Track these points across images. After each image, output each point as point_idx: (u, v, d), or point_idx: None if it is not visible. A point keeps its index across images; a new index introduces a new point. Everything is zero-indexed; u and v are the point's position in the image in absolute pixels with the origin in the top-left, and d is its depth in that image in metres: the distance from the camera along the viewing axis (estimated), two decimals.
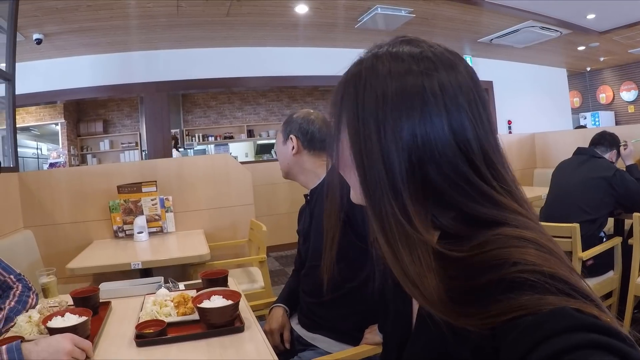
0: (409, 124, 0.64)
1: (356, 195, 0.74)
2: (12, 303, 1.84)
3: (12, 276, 2.01)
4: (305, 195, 2.01)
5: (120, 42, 6.49)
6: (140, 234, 3.52)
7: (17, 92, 4.12)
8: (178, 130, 10.58)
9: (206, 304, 1.50)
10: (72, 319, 1.50)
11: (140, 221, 3.58)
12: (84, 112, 11.04)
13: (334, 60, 6.67)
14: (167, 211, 3.73)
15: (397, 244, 0.64)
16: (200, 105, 11.42)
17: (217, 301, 1.52)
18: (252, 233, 3.59)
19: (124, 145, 10.85)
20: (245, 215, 3.89)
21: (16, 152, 3.96)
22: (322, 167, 1.91)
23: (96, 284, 2.05)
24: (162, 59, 7.07)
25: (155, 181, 3.68)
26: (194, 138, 11.15)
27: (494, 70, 9.10)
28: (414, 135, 0.64)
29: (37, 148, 11.87)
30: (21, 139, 11.47)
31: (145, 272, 2.87)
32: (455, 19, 6.24)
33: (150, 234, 3.62)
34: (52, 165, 9.24)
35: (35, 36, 5.66)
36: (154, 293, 1.82)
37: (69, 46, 6.39)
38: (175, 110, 10.53)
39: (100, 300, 1.84)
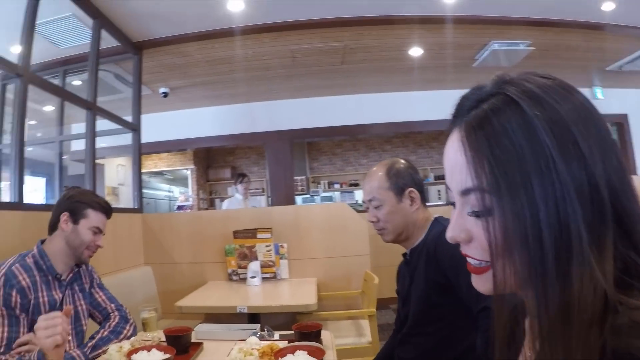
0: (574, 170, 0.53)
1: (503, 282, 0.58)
2: (105, 332, 1.94)
3: (113, 305, 2.13)
4: (405, 255, 1.85)
5: (241, 94, 6.82)
6: (253, 279, 3.54)
7: (148, 140, 4.49)
8: (304, 177, 10.80)
9: (288, 359, 1.40)
10: (156, 355, 1.53)
11: (254, 266, 3.62)
12: (212, 158, 11.76)
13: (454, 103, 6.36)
14: (281, 258, 3.73)
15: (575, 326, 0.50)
16: (325, 153, 11.65)
17: (299, 356, 1.43)
18: (365, 284, 3.44)
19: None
20: (360, 265, 3.75)
21: (141, 194, 4.26)
22: (429, 222, 1.76)
23: (207, 322, 2.11)
24: (283, 108, 7.29)
25: (271, 228, 3.71)
26: (319, 185, 11.32)
27: (628, 101, 8.02)
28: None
29: (169, 191, 12.83)
30: (155, 182, 12.49)
31: (252, 316, 2.85)
32: (578, 47, 5.71)
33: (264, 279, 3.63)
34: (180, 207, 9.91)
35: (162, 90, 6.13)
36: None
37: (194, 98, 6.85)
38: (301, 158, 10.82)
39: (195, 341, 1.86)
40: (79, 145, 7.62)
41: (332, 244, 3.82)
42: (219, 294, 3.36)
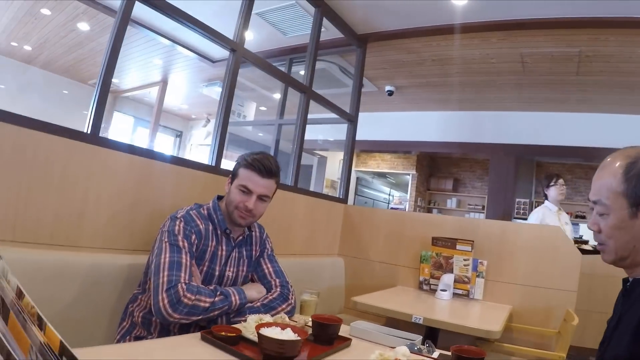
0: None
1: None
2: (257, 304, 1.87)
3: (278, 280, 2.04)
4: (625, 282, 1.38)
5: (469, 100, 6.45)
6: (444, 292, 3.24)
7: (372, 138, 4.46)
8: (527, 200, 9.93)
9: None
10: (284, 334, 1.41)
11: (447, 279, 3.32)
12: (436, 167, 11.52)
13: None
14: (478, 276, 3.34)
15: None
16: None
17: None
18: (563, 325, 2.86)
19: (471, 206, 10.80)
20: (563, 302, 3.09)
21: (348, 185, 4.24)
22: None
23: (387, 327, 1.90)
24: (511, 120, 6.74)
25: (473, 241, 3.35)
26: None
27: None
28: None
29: (389, 194, 12.96)
30: (378, 183, 12.71)
31: (431, 330, 2.57)
32: None
33: (455, 295, 3.30)
34: (392, 209, 9.91)
35: (387, 88, 6.08)
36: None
37: (420, 100, 6.67)
38: (528, 179, 9.96)
39: (345, 335, 1.71)
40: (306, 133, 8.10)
41: (535, 272, 3.26)
42: (402, 299, 3.14)
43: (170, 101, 9.07)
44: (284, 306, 1.93)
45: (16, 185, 1.82)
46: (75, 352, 1.08)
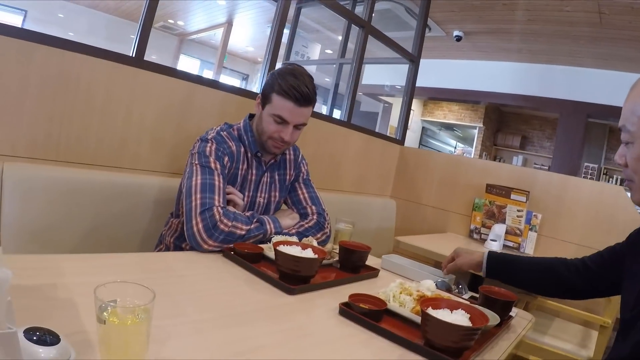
0: None
1: None
2: (292, 230, 1.78)
3: (314, 207, 1.93)
4: None
5: (540, 52, 6.00)
6: (493, 242, 3.10)
7: (438, 86, 4.20)
8: (596, 165, 9.37)
9: (439, 314, 1.03)
10: (304, 254, 1.35)
11: (498, 229, 3.16)
12: (504, 123, 11.01)
13: None
14: (531, 229, 3.16)
15: None
16: None
17: (457, 316, 1.05)
18: None
19: (537, 166, 10.32)
20: None
21: (405, 126, 4.07)
22: None
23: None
24: (584, 77, 6.27)
25: (528, 192, 3.16)
26: (611, 179, 9.72)
27: None
28: None
29: (454, 147, 12.61)
30: (444, 135, 12.36)
31: (475, 278, 2.45)
32: None
33: (505, 247, 3.15)
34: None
35: (455, 33, 5.75)
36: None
37: (489, 49, 6.28)
38: (599, 144, 9.36)
39: (374, 266, 1.66)
40: (369, 78, 7.86)
41: (593, 232, 3.04)
42: (449, 245, 3.00)
43: (236, 43, 9.02)
44: (318, 235, 1.84)
45: (61, 107, 1.84)
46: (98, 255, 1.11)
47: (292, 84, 1.67)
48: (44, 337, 0.64)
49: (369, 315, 1.11)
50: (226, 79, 10.13)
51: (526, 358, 2.35)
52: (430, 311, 1.02)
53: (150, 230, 2.02)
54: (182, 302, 1.07)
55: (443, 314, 1.03)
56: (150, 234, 2.02)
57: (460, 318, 1.02)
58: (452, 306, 1.08)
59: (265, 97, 1.75)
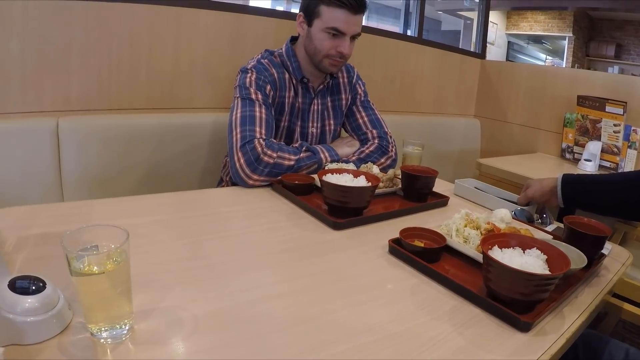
0: None
1: None
2: (353, 157, 1.60)
3: (375, 131, 1.73)
4: None
5: None
6: (587, 163, 2.71)
7: None
8: None
9: (505, 255, 0.80)
10: (355, 183, 1.19)
11: (592, 147, 2.75)
12: (597, 30, 9.90)
13: None
14: (630, 147, 2.73)
15: None
16: None
17: (528, 258, 0.80)
18: None
19: (636, 76, 9.29)
20: None
21: (484, 36, 3.65)
22: None
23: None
24: None
25: (625, 103, 2.70)
26: None
27: None
28: None
29: (544, 61, 11.61)
30: (532, 49, 11.42)
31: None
32: None
33: (601, 167, 2.75)
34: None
35: None
36: None
37: None
38: None
39: (443, 193, 1.44)
40: None
41: None
42: (538, 166, 2.69)
43: None
44: (382, 160, 1.65)
45: (107, 57, 1.85)
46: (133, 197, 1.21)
47: None
48: (31, 286, 0.62)
49: (422, 254, 0.91)
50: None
51: (621, 304, 1.74)
52: (494, 252, 0.80)
53: (209, 168, 1.97)
54: (207, 243, 0.96)
55: (511, 256, 0.79)
56: (209, 172, 1.97)
57: (532, 261, 0.78)
58: (525, 244, 0.84)
59: (311, 13, 1.55)
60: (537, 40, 10.64)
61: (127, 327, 0.63)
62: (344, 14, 1.49)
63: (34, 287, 0.62)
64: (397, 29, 3.40)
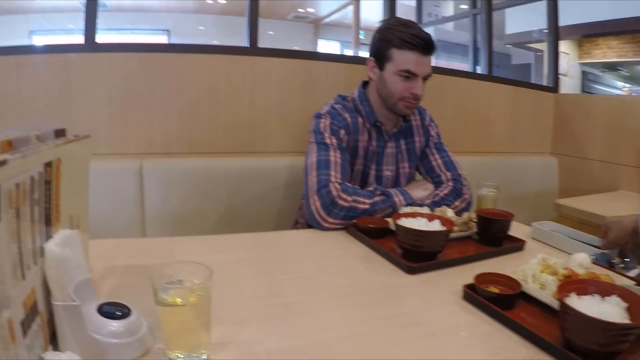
0: None
1: None
2: (427, 201, 1.60)
3: (449, 174, 1.72)
4: None
5: None
6: None
7: (592, 20, 3.49)
8: None
9: (582, 303, 0.77)
10: (429, 226, 1.18)
11: None
12: None
13: None
14: None
15: None
16: None
17: (607, 306, 0.76)
18: None
19: None
20: None
21: (556, 69, 3.56)
22: None
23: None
24: None
25: None
26: None
27: None
28: None
29: (621, 89, 11.05)
30: (609, 78, 10.91)
31: None
32: None
33: None
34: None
35: None
36: None
37: None
38: None
39: (519, 237, 1.39)
40: (515, 26, 7.10)
41: None
42: (621, 205, 2.56)
43: (369, 17, 8.76)
44: (457, 203, 1.64)
45: (187, 104, 2.02)
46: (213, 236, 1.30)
47: (412, 33, 1.52)
48: (117, 311, 0.68)
49: (496, 301, 0.90)
50: (366, 55, 10.01)
51: None
52: (572, 299, 0.78)
53: (284, 210, 2.05)
54: (283, 282, 1.01)
55: (589, 303, 0.77)
56: (284, 214, 2.04)
57: (611, 309, 0.75)
58: (604, 291, 0.81)
59: (382, 57, 1.60)
60: (612, 67, 10.17)
61: (204, 357, 0.68)
62: (415, 55, 1.52)
63: (119, 313, 0.68)
64: (466, 66, 3.40)
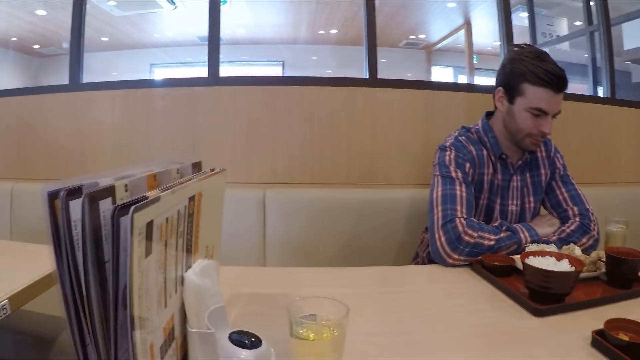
0: None
1: None
2: (553, 238, 1.51)
3: (576, 208, 1.61)
4: None
5: None
6: None
7: None
8: None
9: None
10: (558, 266, 1.11)
11: None
12: None
13: None
14: None
15: None
16: None
17: None
18: None
19: None
20: None
21: None
22: None
23: None
24: None
25: None
26: None
27: None
28: None
29: None
30: None
31: None
32: None
33: None
34: None
35: None
36: None
37: None
38: None
39: None
40: (634, 41, 6.45)
41: None
42: None
43: (482, 41, 8.53)
44: (584, 240, 1.52)
45: (309, 135, 2.09)
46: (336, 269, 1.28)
47: (546, 69, 1.44)
48: (247, 340, 0.69)
49: (626, 349, 0.82)
50: (481, 80, 9.70)
51: None
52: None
53: (405, 243, 2.01)
54: (407, 319, 1.00)
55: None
56: (405, 247, 2.01)
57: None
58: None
59: (512, 90, 1.53)
60: None
61: None
62: (548, 93, 1.45)
63: (249, 342, 0.69)
64: (585, 87, 3.19)
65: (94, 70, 3.12)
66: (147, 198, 0.53)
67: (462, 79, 9.78)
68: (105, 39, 8.30)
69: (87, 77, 2.53)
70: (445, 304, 1.12)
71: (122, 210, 0.49)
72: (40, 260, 1.30)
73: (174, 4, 6.28)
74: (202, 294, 0.68)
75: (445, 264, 1.39)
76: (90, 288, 0.53)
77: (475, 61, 8.70)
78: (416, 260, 1.82)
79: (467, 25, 7.77)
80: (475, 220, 1.47)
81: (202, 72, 2.20)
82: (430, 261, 1.54)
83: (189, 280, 0.68)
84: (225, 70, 2.17)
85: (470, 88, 2.30)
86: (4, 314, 1.00)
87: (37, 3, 6.27)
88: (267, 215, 1.89)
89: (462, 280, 1.27)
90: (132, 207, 0.48)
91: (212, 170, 0.85)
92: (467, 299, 1.15)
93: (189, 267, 0.71)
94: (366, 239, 1.96)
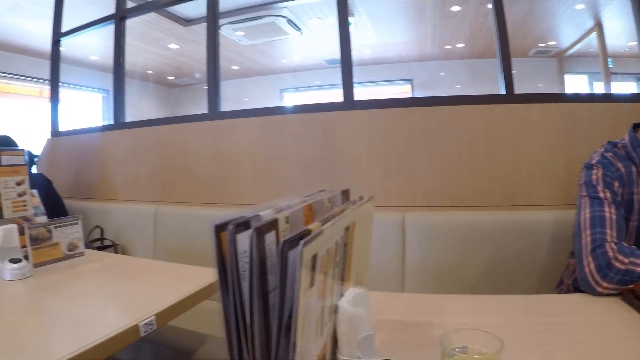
0: None
1: None
2: None
3: None
4: None
5: None
6: None
7: None
8: None
9: None
10: None
11: None
12: None
13: None
14: None
15: None
16: None
17: None
18: None
19: None
20: None
21: None
22: None
23: None
24: None
25: None
26: None
27: None
28: None
29: None
30: None
31: None
32: None
33: None
34: None
35: None
36: None
37: None
38: None
39: None
40: None
41: None
42: None
43: (616, 42, 7.78)
44: None
45: (447, 157, 2.04)
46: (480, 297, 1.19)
47: None
48: None
49: None
50: (619, 87, 8.91)
51: None
52: None
53: (548, 268, 1.89)
54: (555, 353, 0.93)
55: None
56: (548, 272, 1.89)
57: None
58: None
59: None
60: None
61: None
62: None
63: None
64: None
65: (227, 97, 3.32)
66: (310, 232, 0.54)
67: (598, 86, 9.04)
68: (235, 67, 8.82)
69: (222, 105, 2.71)
70: (596, 337, 1.02)
71: (290, 243, 0.51)
72: (184, 280, 1.41)
73: (299, 29, 6.52)
74: (355, 323, 0.69)
75: (594, 292, 1.27)
76: (254, 316, 0.55)
77: (610, 65, 7.97)
78: (560, 287, 1.69)
79: (598, 27, 7.18)
80: (626, 244, 1.32)
81: (331, 94, 2.25)
82: (576, 289, 1.43)
83: (343, 309, 0.69)
84: (356, 92, 2.20)
85: (607, 98, 2.10)
86: (150, 329, 1.08)
87: (169, 38, 6.83)
88: (407, 239, 1.88)
89: (612, 312, 1.16)
90: (302, 242, 0.50)
91: (361, 198, 0.85)
92: (619, 332, 1.04)
93: (341, 295, 0.71)
94: (507, 264, 1.87)
